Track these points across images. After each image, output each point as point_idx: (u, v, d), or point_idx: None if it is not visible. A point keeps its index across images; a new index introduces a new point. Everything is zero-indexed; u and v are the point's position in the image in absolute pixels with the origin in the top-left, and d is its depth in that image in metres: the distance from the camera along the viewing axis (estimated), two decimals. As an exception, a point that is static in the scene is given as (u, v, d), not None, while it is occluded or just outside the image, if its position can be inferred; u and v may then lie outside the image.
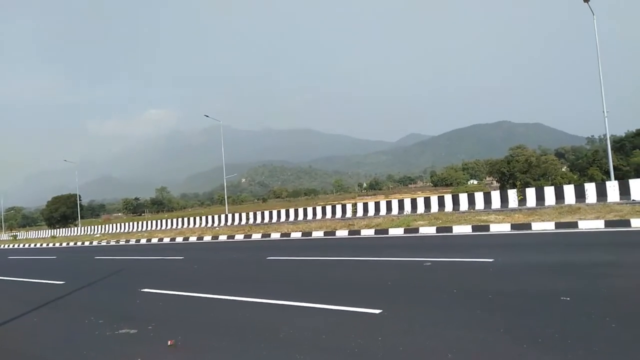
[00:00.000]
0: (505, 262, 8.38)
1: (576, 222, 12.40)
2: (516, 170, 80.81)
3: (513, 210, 17.65)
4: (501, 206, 19.52)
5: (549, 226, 12.74)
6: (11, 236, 61.46)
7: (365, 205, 24.99)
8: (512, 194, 19.79)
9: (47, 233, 58.67)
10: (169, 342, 5.18)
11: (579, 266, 7.53)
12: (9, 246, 41.26)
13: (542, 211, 15.51)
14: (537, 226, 12.91)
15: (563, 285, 6.22)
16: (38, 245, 37.26)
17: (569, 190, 18.24)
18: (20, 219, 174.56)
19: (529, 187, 20.71)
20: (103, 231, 43.27)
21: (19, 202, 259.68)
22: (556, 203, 17.84)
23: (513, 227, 13.37)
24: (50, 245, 35.21)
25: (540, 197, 18.85)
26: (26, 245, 38.64)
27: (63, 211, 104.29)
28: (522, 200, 19.20)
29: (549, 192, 18.84)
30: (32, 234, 64.55)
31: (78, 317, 7.23)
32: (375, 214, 23.49)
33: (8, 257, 25.28)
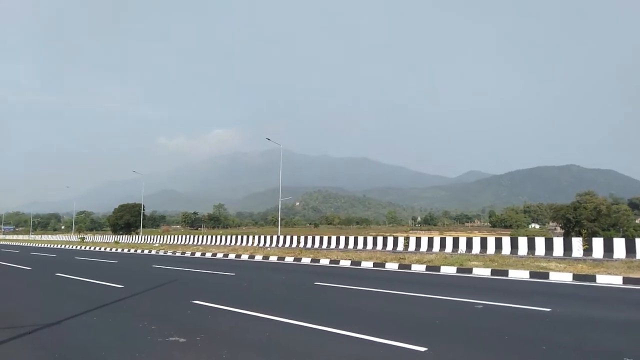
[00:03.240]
0: (564, 314, 7.92)
1: (647, 279, 11.49)
2: (583, 218, 76.24)
3: (577, 259, 16.62)
4: (564, 254, 18.44)
5: (615, 280, 11.88)
6: (79, 238, 65.60)
7: (418, 240, 24.47)
8: (577, 242, 18.66)
9: (111, 238, 62.12)
10: None
11: (647, 327, 6.97)
12: (76, 247, 44.09)
13: (609, 264, 14.51)
14: (603, 279, 12.08)
15: (627, 345, 5.79)
16: (102, 249, 39.54)
17: (641, 244, 16.94)
18: (88, 223, 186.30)
19: (596, 236, 19.46)
20: (162, 241, 45.21)
21: (89, 207, 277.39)
22: (626, 257, 16.60)
23: (575, 277, 12.60)
24: (113, 250, 37.26)
25: (608, 248, 17.63)
26: (92, 248, 41.13)
27: (127, 219, 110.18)
28: (588, 250, 18.04)
29: (619, 244, 17.58)
30: (98, 238, 68.63)
31: (133, 321, 7.62)
32: (427, 250, 22.94)
33: (75, 257, 27.03)
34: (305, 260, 20.53)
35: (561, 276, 12.84)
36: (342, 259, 19.44)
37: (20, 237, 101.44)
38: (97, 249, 40.23)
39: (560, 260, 15.99)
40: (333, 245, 28.46)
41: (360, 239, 27.50)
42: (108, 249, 38.32)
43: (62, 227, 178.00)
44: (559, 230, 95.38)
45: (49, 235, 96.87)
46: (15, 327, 7.12)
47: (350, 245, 27.43)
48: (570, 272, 13.05)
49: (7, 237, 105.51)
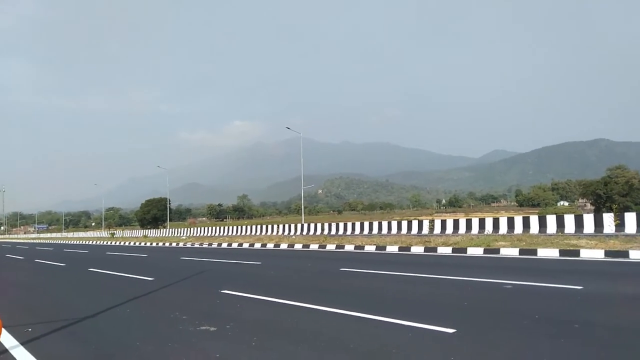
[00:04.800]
0: (596, 291, 7.75)
1: (684, 253, 11.13)
2: (614, 193, 74.14)
3: (608, 236, 16.20)
4: (595, 231, 18.00)
5: (650, 255, 11.55)
6: (110, 234, 67.45)
7: (443, 222, 24.25)
8: (608, 218, 18.17)
9: (139, 233, 63.63)
10: None
11: (685, 302, 6.77)
12: (107, 243, 45.33)
13: (643, 239, 14.11)
14: (636, 255, 11.75)
15: (664, 321, 5.63)
16: (132, 243, 40.55)
17: (676, 218, 16.39)
18: (117, 219, 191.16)
19: (628, 211, 18.89)
20: (189, 234, 46.06)
21: (117, 203, 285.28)
22: (661, 231, 16.11)
23: (607, 254, 12.30)
24: (142, 244, 38.15)
25: (641, 223, 17.12)
26: (121, 243, 42.22)
27: (154, 213, 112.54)
28: (620, 225, 17.56)
29: (653, 218, 17.05)
30: (127, 233, 70.40)
31: (164, 312, 7.80)
32: (453, 232, 22.72)
33: (106, 253, 27.80)
34: (330, 247, 20.61)
35: (592, 253, 12.56)
36: (366, 244, 19.44)
37: (53, 235, 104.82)
38: (126, 243, 41.27)
39: (591, 237, 15.62)
40: (357, 231, 28.46)
41: (385, 224, 27.42)
42: (137, 244, 39.26)
43: (93, 224, 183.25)
44: (589, 206, 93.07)
45: (81, 232, 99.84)
46: (54, 321, 7.38)
47: (375, 230, 27.38)
48: (602, 248, 12.75)
49: (41, 235, 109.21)
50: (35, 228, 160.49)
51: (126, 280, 12.96)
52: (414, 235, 23.57)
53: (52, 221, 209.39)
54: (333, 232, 29.90)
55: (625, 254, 12.01)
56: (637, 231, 16.87)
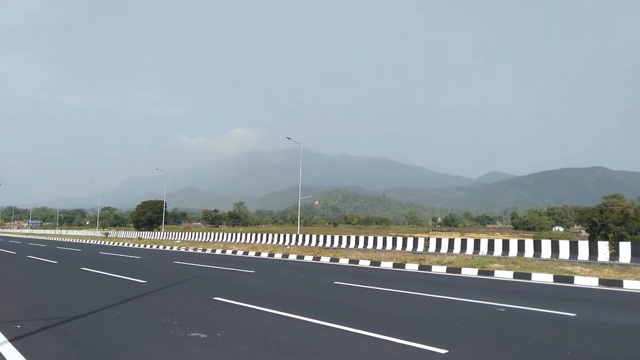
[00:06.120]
0: (589, 319, 7.75)
1: (678, 286, 11.14)
2: (610, 221, 74.30)
3: (603, 264, 16.20)
4: (589, 258, 18.00)
5: (644, 286, 11.55)
6: (104, 233, 67.03)
7: (439, 241, 24.24)
8: (603, 246, 18.19)
9: (134, 234, 63.29)
10: None
11: (678, 335, 6.76)
12: (101, 242, 45.08)
13: (637, 269, 14.11)
14: (630, 284, 11.75)
15: (656, 353, 5.63)
16: (125, 244, 40.32)
17: (671, 249, 16.42)
18: (112, 219, 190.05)
19: (623, 240, 18.94)
20: (183, 238, 45.85)
21: (113, 204, 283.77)
22: (655, 262, 16.12)
23: (601, 282, 12.28)
24: (136, 245, 37.94)
25: (636, 253, 17.12)
26: (115, 244, 41.99)
27: (149, 215, 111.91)
28: (614, 254, 17.58)
29: (647, 248, 17.08)
30: (121, 233, 70.03)
31: (155, 316, 7.75)
32: (448, 251, 22.70)
33: (99, 252, 27.64)
34: (325, 259, 20.55)
35: (586, 281, 12.54)
36: (361, 259, 19.39)
37: (47, 231, 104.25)
38: (120, 244, 41.04)
39: (586, 265, 15.62)
40: (352, 244, 28.41)
41: (380, 239, 27.37)
42: (131, 245, 39.04)
43: (87, 223, 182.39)
44: (584, 233, 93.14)
45: (74, 230, 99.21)
46: (44, 319, 7.33)
47: (370, 245, 27.33)
48: (596, 276, 12.73)
49: (35, 231, 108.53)
50: (29, 223, 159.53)
51: (118, 282, 12.88)
52: (408, 252, 23.53)
53: (46, 217, 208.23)
54: (328, 244, 29.83)
55: (619, 283, 12.01)
56: (632, 261, 16.89)
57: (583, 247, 18.73)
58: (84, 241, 49.32)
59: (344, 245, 28.82)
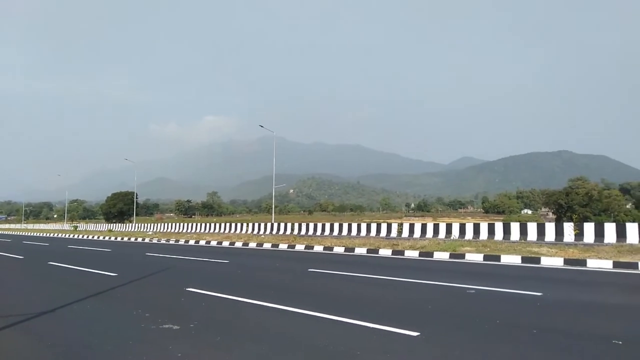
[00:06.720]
0: (555, 298, 8.02)
1: (637, 263, 11.64)
2: (575, 203, 76.92)
3: (568, 244, 16.79)
4: (555, 239, 18.62)
5: (606, 265, 12.03)
6: (72, 226, 65.26)
7: (412, 226, 24.60)
8: (569, 227, 18.83)
9: (104, 227, 61.87)
10: None
11: (637, 309, 7.08)
12: (69, 236, 43.91)
13: (599, 248, 14.68)
14: (593, 263, 12.22)
15: (617, 328, 5.88)
16: (96, 237, 39.39)
17: (632, 229, 17.09)
18: (81, 211, 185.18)
19: (587, 221, 19.63)
20: (155, 229, 45.11)
21: (81, 196, 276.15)
22: (617, 241, 16.79)
23: (566, 262, 12.74)
24: (107, 238, 37.12)
25: (599, 233, 17.81)
26: (85, 237, 40.97)
27: (120, 207, 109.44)
28: (579, 235, 18.23)
29: (610, 228, 17.76)
30: (91, 226, 68.33)
31: (126, 309, 7.61)
32: (421, 236, 23.07)
33: (68, 246, 26.92)
34: (299, 247, 20.59)
35: (552, 261, 12.98)
36: (336, 246, 19.51)
37: (12, 226, 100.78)
38: (90, 237, 40.07)
39: (552, 245, 16.15)
40: (327, 232, 28.53)
41: (354, 226, 27.57)
42: (101, 238, 38.17)
43: (55, 216, 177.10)
44: (551, 215, 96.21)
45: (41, 224, 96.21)
46: (8, 316, 7.09)
47: (345, 231, 27.50)
48: (562, 257, 13.19)
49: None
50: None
51: (88, 276, 12.58)
52: (382, 238, 23.81)
53: (11, 211, 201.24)
54: (303, 232, 29.88)
55: (583, 262, 12.47)
56: (595, 241, 17.55)
57: (550, 228, 19.34)
58: (52, 235, 47.93)
59: (319, 232, 28.92)
